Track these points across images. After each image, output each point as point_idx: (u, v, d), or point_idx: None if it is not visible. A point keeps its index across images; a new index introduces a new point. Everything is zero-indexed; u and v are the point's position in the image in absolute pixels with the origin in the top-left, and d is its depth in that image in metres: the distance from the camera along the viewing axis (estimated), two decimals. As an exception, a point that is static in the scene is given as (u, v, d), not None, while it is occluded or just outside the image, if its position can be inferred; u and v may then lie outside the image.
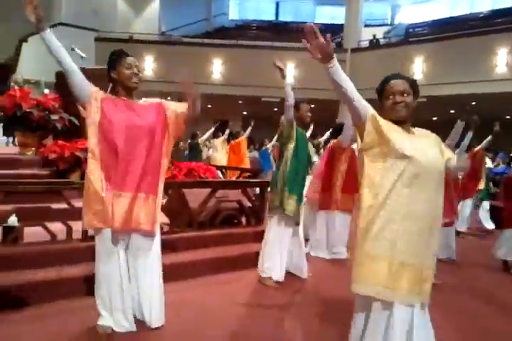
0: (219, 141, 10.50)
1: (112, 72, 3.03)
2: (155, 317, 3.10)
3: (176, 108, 3.14)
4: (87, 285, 3.62)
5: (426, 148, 2.23)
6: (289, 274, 4.58)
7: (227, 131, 10.84)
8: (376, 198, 2.17)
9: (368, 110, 2.23)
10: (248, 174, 7.28)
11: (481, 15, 20.57)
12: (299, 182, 4.34)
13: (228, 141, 10.77)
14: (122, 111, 2.96)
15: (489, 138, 7.27)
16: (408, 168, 2.15)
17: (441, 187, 2.26)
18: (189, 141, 12.13)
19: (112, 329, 2.98)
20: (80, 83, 2.92)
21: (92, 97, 2.91)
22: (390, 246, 2.14)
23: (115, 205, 2.87)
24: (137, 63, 3.10)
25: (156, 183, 3.04)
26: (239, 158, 10.00)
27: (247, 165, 9.87)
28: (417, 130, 2.35)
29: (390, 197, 2.16)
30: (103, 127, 2.88)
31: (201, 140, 11.31)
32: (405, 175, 2.16)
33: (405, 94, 2.26)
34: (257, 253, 4.60)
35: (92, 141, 2.90)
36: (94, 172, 2.88)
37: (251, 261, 4.75)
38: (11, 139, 7.72)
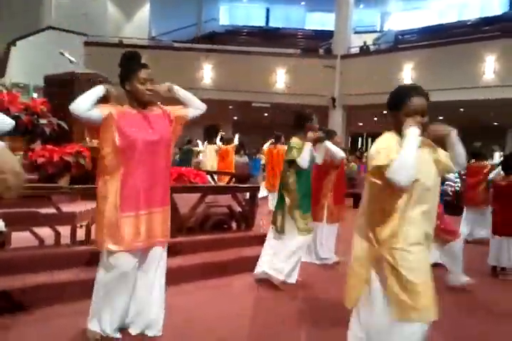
0: (212, 147, 10.45)
1: (126, 84, 2.92)
2: (157, 326, 3.06)
3: (176, 112, 3.13)
4: (75, 291, 3.59)
5: (430, 166, 2.26)
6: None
7: (219, 137, 10.80)
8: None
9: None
10: (233, 179, 7.25)
11: (470, 22, 20.82)
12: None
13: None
14: (137, 126, 2.86)
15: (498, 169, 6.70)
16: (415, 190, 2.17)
17: (437, 198, 2.31)
18: (185, 146, 12.12)
19: (101, 336, 2.94)
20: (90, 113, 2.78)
21: (108, 119, 2.79)
22: None
23: (133, 225, 2.83)
24: (152, 76, 2.99)
25: (168, 193, 3.06)
26: (227, 163, 10.03)
27: (232, 170, 9.89)
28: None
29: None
30: (121, 147, 2.79)
31: (201, 149, 11.22)
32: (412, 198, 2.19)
33: (424, 115, 2.21)
34: (248, 258, 4.60)
35: (111, 161, 2.81)
36: (111, 193, 2.81)
37: (241, 266, 4.74)
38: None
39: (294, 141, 4.43)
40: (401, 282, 2.16)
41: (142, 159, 2.83)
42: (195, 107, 3.25)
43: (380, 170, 2.14)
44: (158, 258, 3.03)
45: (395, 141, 2.23)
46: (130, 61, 2.92)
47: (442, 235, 4.47)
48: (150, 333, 3.04)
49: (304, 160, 4.29)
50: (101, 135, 2.82)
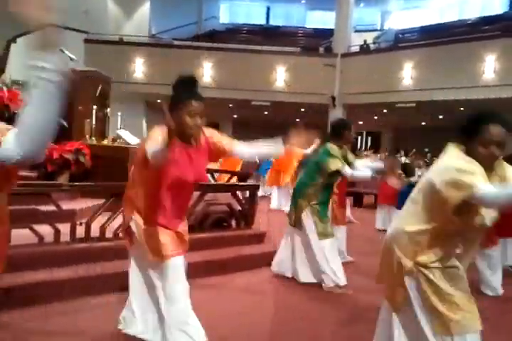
0: None
1: (174, 111, 2.45)
2: None
3: (217, 139, 2.79)
4: (75, 288, 3.60)
5: None
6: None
7: None
8: None
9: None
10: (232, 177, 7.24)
11: (470, 21, 20.80)
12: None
13: None
14: (177, 162, 2.54)
15: None
16: None
17: None
18: None
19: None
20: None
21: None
22: None
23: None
24: (201, 109, 2.54)
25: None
26: (231, 162, 9.93)
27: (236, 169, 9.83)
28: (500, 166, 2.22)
29: None
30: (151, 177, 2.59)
31: None
32: None
33: (502, 147, 2.09)
34: (247, 256, 4.60)
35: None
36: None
37: (241, 264, 4.75)
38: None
39: (333, 148, 4.30)
40: (439, 294, 2.16)
41: (171, 195, 2.66)
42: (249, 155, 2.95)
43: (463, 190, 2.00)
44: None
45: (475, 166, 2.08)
46: (185, 87, 2.57)
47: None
48: None
49: (348, 171, 4.26)
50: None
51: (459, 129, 2.18)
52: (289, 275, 4.60)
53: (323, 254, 4.33)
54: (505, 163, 2.23)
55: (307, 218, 4.38)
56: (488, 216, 2.07)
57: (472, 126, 2.13)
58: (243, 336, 3.27)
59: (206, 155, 2.71)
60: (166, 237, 2.66)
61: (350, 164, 4.36)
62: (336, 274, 4.31)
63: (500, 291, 4.50)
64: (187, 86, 2.56)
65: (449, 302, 2.14)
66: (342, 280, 4.33)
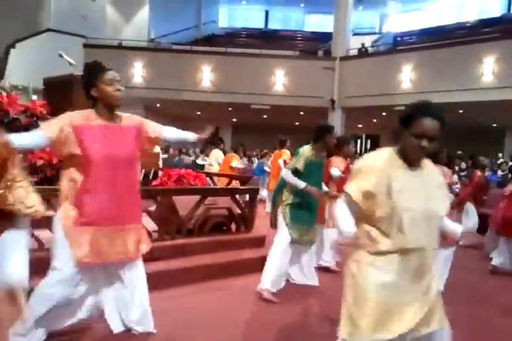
0: (219, 153, 10.29)
1: (92, 90, 2.72)
2: None
3: (154, 132, 3.00)
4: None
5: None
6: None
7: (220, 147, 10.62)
8: None
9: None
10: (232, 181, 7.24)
11: (468, 24, 20.85)
12: None
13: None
14: (100, 139, 2.69)
15: None
16: None
17: None
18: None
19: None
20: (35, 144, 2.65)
21: (60, 134, 2.60)
22: None
23: (99, 240, 2.74)
24: (118, 77, 2.79)
25: (139, 211, 3.02)
26: (227, 168, 9.90)
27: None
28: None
29: None
30: (83, 160, 2.65)
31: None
32: None
33: (433, 141, 2.05)
34: (247, 260, 4.59)
35: (74, 174, 2.69)
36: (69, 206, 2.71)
37: (241, 268, 4.74)
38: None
39: (305, 149, 4.27)
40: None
41: (102, 174, 2.70)
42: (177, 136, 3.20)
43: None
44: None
45: (385, 161, 2.13)
46: (92, 67, 2.77)
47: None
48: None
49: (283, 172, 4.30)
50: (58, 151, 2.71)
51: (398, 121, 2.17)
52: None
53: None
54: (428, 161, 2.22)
55: (280, 218, 4.30)
56: None
57: (405, 119, 2.10)
58: (243, 339, 3.27)
59: (134, 137, 2.84)
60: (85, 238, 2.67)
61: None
62: (274, 280, 4.19)
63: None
64: (95, 66, 2.75)
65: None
66: (276, 286, 4.23)
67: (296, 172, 4.17)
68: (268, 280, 4.14)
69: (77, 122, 2.65)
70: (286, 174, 4.23)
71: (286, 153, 8.97)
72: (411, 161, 2.11)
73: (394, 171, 2.08)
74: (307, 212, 4.34)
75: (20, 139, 2.41)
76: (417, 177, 2.11)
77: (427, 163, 2.19)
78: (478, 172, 7.28)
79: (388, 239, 2.06)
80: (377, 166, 2.10)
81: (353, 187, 2.12)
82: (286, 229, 4.24)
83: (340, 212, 2.23)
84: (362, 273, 2.10)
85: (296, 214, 4.27)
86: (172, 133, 3.11)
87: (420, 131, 2.04)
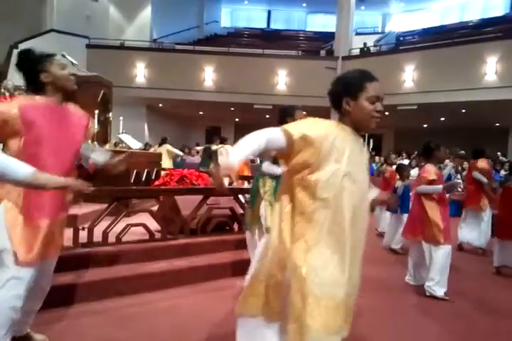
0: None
1: (43, 75, 2.59)
2: None
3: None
4: (78, 293, 3.59)
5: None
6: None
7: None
8: None
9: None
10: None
11: (471, 24, 20.81)
12: None
13: None
14: (48, 120, 2.57)
15: None
16: None
17: None
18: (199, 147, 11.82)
19: None
20: None
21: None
22: None
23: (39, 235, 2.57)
24: (65, 65, 2.73)
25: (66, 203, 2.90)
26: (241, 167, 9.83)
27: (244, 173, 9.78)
28: None
29: None
30: (26, 140, 2.50)
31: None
32: None
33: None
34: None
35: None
36: (13, 195, 2.51)
37: (243, 268, 4.72)
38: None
39: None
40: None
41: (48, 157, 2.57)
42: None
43: None
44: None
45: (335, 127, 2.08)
46: (34, 54, 2.65)
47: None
48: None
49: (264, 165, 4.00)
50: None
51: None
52: None
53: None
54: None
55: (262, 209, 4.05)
56: None
57: (350, 89, 2.10)
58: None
59: (83, 127, 2.81)
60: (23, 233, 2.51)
61: None
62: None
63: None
64: (38, 53, 2.65)
65: None
66: None
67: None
68: None
69: (23, 102, 2.56)
70: (263, 166, 4.02)
71: None
72: (363, 129, 2.11)
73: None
74: None
75: None
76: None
77: None
78: (485, 161, 7.04)
79: None
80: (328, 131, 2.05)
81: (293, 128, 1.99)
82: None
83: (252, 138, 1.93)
84: None
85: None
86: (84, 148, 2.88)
87: (375, 94, 2.07)
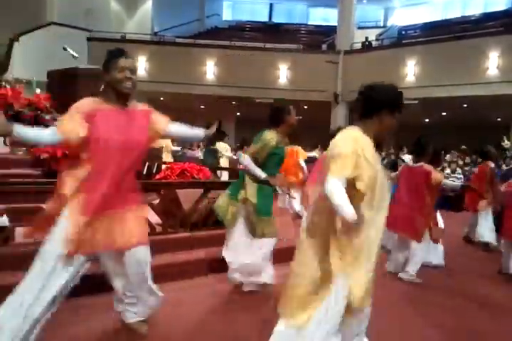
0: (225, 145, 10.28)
1: (105, 75, 2.72)
2: None
3: (160, 124, 2.89)
4: (80, 285, 3.60)
5: None
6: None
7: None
8: None
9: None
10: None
11: (473, 18, 20.71)
12: None
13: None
14: (110, 124, 2.63)
15: None
16: None
17: None
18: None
19: None
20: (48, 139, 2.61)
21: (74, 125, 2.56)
22: None
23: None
24: (132, 66, 2.71)
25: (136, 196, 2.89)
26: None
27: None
28: None
29: None
30: (92, 145, 2.59)
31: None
32: None
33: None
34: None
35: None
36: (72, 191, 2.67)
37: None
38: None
39: (265, 134, 3.96)
40: None
41: (109, 160, 2.64)
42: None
43: None
44: None
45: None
46: (110, 53, 2.76)
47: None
48: None
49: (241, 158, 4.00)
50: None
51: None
52: None
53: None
54: None
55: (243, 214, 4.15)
56: None
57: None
58: (246, 333, 3.28)
59: (145, 125, 2.77)
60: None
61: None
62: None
63: None
64: (113, 52, 2.73)
65: None
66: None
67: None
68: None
69: (86, 108, 2.63)
70: (243, 162, 3.99)
71: (300, 152, 8.05)
72: (380, 139, 2.52)
73: None
74: (270, 202, 4.12)
75: (27, 131, 2.53)
76: None
77: None
78: (492, 164, 6.73)
79: None
80: None
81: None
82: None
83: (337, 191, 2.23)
84: None
85: (264, 205, 4.02)
86: (178, 129, 2.98)
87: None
